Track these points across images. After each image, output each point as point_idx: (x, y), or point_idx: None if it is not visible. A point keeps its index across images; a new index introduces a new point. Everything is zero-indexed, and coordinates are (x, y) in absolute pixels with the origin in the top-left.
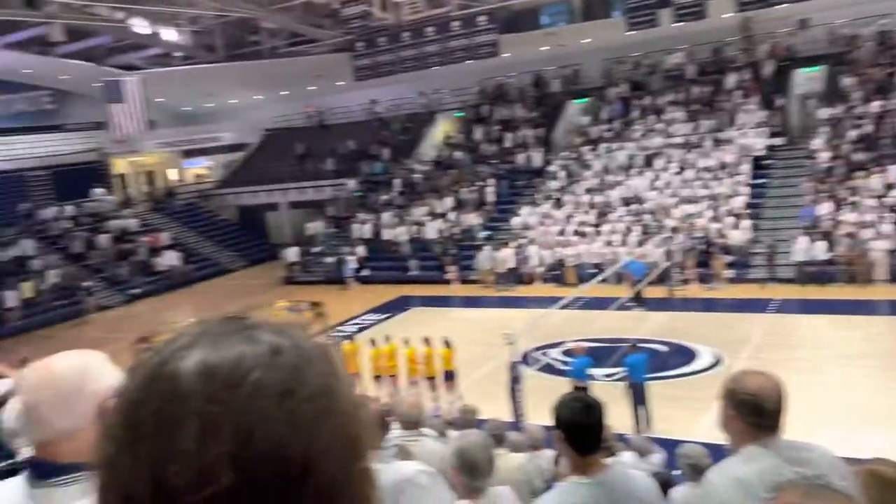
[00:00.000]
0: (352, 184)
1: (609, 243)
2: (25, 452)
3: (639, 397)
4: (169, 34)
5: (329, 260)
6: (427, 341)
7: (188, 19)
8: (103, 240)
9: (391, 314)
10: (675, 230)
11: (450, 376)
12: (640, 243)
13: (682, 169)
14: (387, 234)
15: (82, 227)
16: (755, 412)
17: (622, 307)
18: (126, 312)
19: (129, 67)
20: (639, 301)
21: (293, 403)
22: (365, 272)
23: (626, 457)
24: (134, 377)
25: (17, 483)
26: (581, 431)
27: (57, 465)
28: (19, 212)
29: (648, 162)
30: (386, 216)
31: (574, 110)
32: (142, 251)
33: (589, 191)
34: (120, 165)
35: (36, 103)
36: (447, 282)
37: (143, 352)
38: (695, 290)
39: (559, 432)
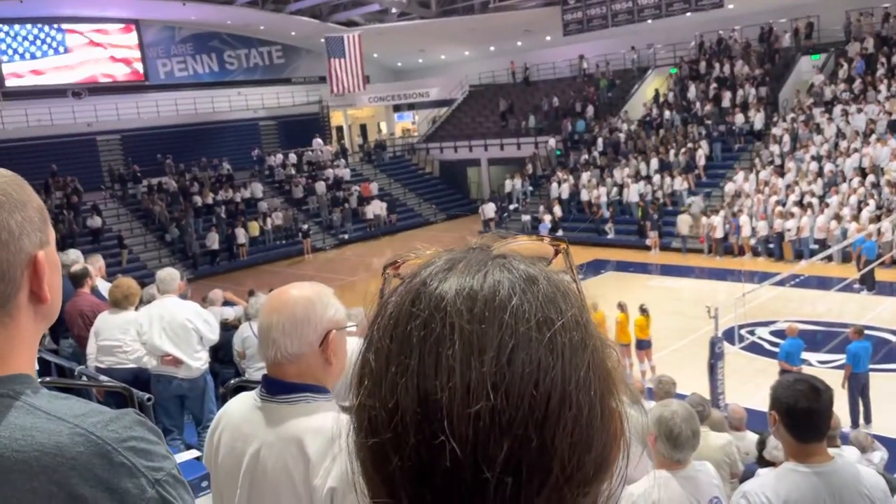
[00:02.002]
0: (552, 142)
1: (837, 217)
2: (252, 374)
3: (859, 389)
4: None
5: (525, 218)
6: (621, 307)
7: None
8: (320, 187)
9: (584, 277)
10: None
11: (642, 345)
12: (875, 219)
13: None
14: (585, 195)
15: (303, 174)
16: None
17: (847, 289)
18: (336, 255)
19: (350, 24)
20: (868, 284)
21: (551, 332)
22: (559, 232)
23: (850, 452)
24: (399, 295)
25: (249, 397)
26: (804, 416)
27: (284, 384)
28: (252, 157)
29: (893, 128)
30: (585, 176)
31: (806, 68)
32: (353, 199)
33: (817, 158)
34: (337, 118)
35: (268, 58)
36: (647, 248)
37: (393, 277)
38: None
39: (777, 415)
